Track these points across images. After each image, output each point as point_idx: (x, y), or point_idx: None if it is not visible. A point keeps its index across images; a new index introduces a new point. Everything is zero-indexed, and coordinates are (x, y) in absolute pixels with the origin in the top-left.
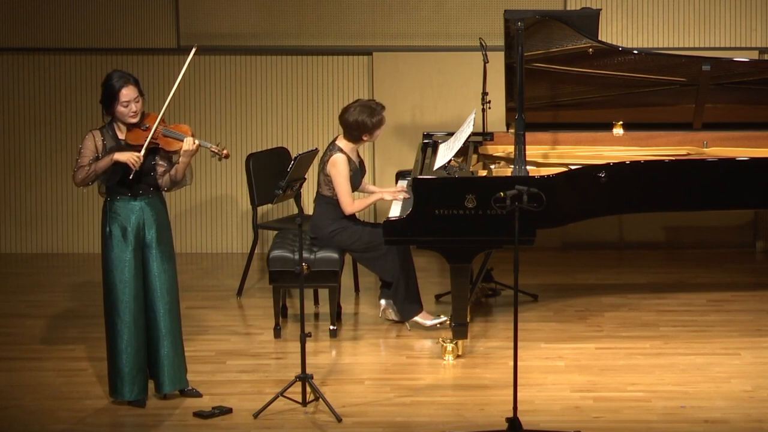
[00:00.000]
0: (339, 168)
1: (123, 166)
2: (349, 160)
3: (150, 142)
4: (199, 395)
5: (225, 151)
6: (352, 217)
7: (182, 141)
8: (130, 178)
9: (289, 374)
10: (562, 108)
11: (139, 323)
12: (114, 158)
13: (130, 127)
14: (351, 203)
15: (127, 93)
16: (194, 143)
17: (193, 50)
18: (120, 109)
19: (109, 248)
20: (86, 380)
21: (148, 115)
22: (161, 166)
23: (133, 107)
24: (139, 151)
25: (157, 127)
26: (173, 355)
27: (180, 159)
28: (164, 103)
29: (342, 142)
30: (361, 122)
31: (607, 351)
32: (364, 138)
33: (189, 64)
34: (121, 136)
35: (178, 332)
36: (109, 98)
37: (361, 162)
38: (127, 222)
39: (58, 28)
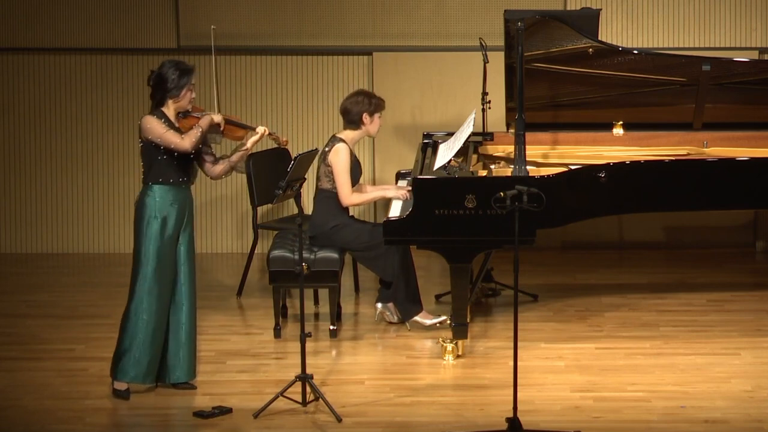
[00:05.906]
0: (341, 156)
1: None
2: (351, 152)
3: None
4: (193, 387)
5: (285, 140)
6: (353, 217)
7: (248, 130)
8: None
9: (289, 374)
10: (562, 108)
11: (166, 312)
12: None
13: (184, 114)
14: (349, 194)
15: (194, 79)
16: (266, 130)
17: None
18: (188, 94)
19: (151, 234)
20: (86, 380)
21: (195, 106)
22: (210, 155)
23: (194, 93)
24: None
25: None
26: (190, 344)
27: (246, 146)
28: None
29: (343, 134)
30: (360, 101)
31: (607, 351)
32: (364, 120)
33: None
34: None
35: (195, 323)
36: (181, 85)
37: (358, 160)
38: (171, 208)
39: (58, 28)
